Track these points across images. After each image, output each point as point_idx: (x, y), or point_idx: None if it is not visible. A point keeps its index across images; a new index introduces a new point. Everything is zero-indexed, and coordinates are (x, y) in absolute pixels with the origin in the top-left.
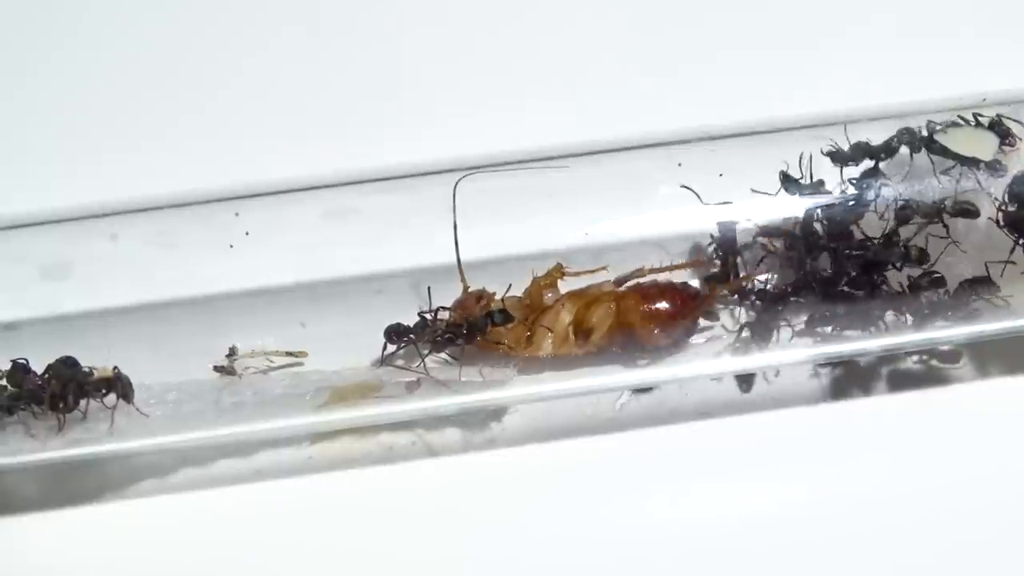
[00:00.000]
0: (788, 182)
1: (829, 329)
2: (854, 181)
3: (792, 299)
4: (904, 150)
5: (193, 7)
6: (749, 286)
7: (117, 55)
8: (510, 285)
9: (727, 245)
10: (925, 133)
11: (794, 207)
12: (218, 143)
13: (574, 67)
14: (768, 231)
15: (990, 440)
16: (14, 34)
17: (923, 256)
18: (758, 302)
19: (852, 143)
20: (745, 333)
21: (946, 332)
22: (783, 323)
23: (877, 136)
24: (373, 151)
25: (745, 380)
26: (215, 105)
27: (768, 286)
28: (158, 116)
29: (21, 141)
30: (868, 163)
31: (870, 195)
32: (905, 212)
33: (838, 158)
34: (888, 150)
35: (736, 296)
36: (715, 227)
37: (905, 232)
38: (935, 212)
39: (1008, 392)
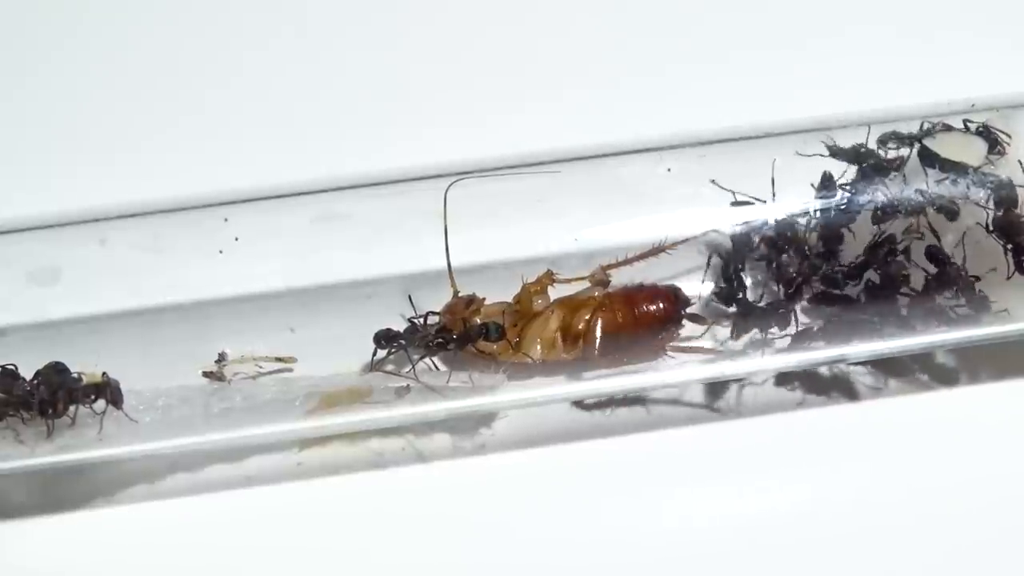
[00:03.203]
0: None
1: (822, 334)
2: (846, 186)
3: (793, 304)
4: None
5: (183, 12)
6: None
7: (105, 60)
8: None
9: (736, 252)
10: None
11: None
12: (207, 148)
13: (564, 72)
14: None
15: (981, 444)
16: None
17: None
18: (760, 306)
19: (853, 146)
20: (739, 339)
21: (936, 337)
22: (778, 330)
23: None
24: (363, 156)
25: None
26: (204, 110)
27: (765, 294)
28: (147, 121)
29: (9, 146)
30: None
31: (862, 199)
32: (885, 215)
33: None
34: (895, 166)
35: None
36: (716, 234)
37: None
38: (917, 213)
39: (999, 397)
